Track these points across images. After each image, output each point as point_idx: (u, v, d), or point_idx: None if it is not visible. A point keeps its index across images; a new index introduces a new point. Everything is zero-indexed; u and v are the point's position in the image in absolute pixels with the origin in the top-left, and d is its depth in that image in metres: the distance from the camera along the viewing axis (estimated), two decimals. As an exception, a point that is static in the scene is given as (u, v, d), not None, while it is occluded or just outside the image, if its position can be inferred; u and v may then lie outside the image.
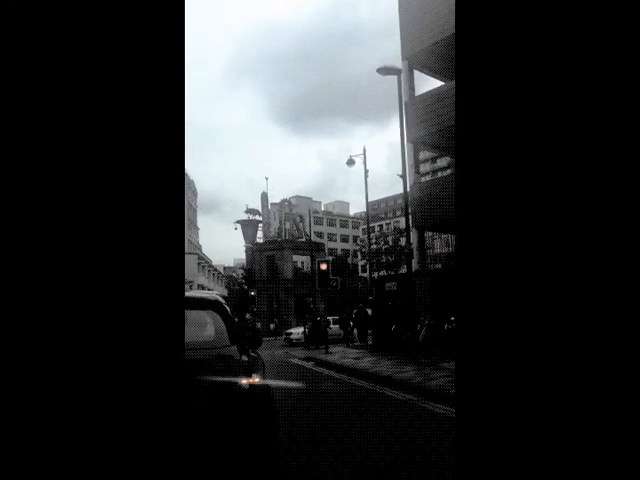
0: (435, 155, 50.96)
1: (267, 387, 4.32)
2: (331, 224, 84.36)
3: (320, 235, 70.78)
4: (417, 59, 18.11)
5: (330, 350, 17.23)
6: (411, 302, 13.50)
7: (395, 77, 13.93)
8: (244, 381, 3.96)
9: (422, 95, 17.88)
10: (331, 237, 79.90)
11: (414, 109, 17.53)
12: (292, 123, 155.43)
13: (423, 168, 48.50)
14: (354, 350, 17.51)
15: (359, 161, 25.50)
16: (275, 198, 52.24)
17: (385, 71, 13.66)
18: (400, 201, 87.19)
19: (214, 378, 3.92)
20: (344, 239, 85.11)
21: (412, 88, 17.91)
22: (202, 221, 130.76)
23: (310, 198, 62.67)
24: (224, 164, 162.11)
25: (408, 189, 14.06)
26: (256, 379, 4.03)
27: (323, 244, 48.36)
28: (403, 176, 13.31)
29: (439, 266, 19.44)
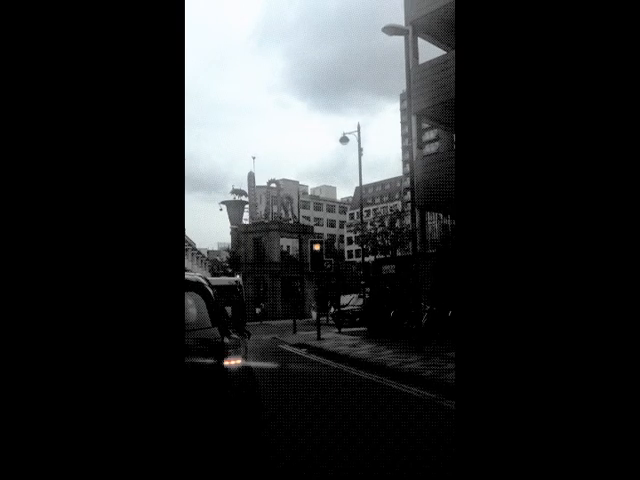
0: (436, 137, 48.92)
1: (249, 369, 4.31)
2: (318, 208, 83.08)
3: (307, 219, 69.45)
4: (421, 24, 16.76)
5: (322, 336, 16.18)
6: (413, 286, 12.41)
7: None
8: (225, 363, 3.95)
9: (425, 64, 16.61)
10: (318, 222, 78.68)
11: (417, 79, 16.24)
12: (319, 96, 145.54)
13: (427, 149, 47.23)
14: (347, 336, 16.48)
15: (354, 139, 24.27)
16: (285, 176, 48.50)
17: (392, 30, 12.32)
18: (388, 187, 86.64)
19: (195, 360, 3.86)
20: (331, 224, 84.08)
21: (416, 56, 16.60)
22: (199, 201, 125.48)
23: (297, 182, 61.05)
24: (242, 139, 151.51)
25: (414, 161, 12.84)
26: (238, 360, 4.03)
27: (312, 226, 47.07)
28: (410, 147, 12.10)
29: (434, 251, 18.41)
